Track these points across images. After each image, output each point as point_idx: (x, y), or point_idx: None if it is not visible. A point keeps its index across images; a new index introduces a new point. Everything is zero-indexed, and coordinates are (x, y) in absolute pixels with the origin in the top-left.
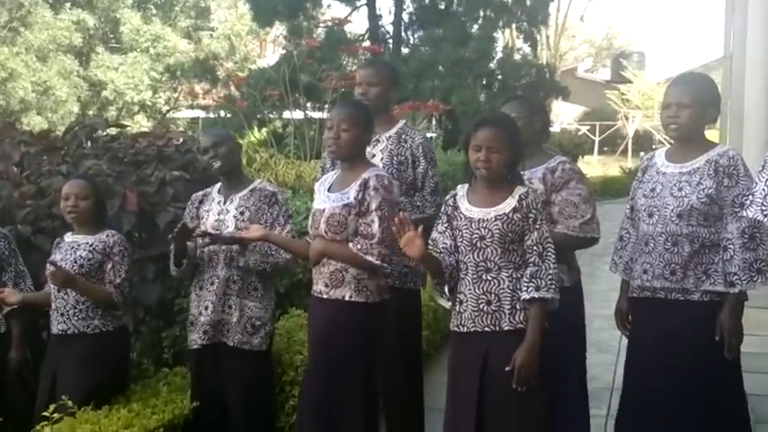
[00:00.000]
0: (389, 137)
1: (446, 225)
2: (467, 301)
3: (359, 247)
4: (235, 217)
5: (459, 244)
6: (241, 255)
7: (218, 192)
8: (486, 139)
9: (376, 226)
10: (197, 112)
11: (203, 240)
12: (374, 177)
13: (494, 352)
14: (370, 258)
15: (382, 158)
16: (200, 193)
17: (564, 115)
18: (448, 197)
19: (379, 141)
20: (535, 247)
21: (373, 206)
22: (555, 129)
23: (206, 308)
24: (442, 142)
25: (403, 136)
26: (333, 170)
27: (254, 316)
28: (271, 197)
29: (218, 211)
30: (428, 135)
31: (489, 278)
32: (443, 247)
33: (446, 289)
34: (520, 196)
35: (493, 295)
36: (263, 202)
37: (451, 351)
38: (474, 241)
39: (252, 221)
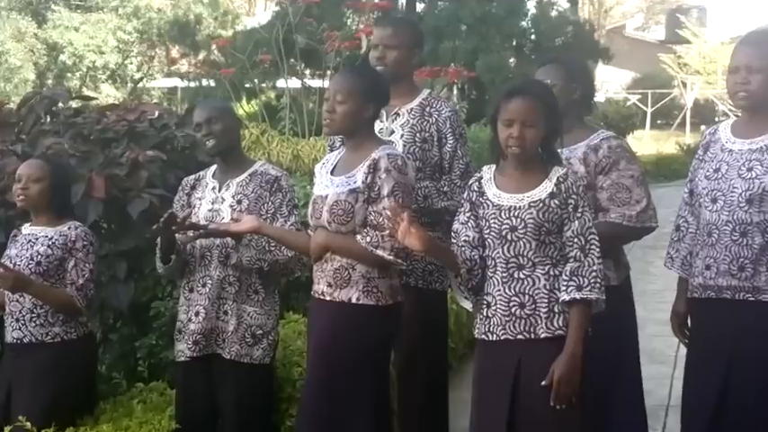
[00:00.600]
0: (411, 109)
1: (469, 214)
2: (495, 303)
3: (368, 239)
4: (231, 206)
5: (486, 236)
6: (234, 250)
7: (213, 176)
8: (518, 111)
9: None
10: (175, 80)
11: (193, 233)
12: (385, 157)
13: (528, 363)
14: (381, 253)
15: (402, 135)
16: (193, 177)
17: (609, 82)
18: (472, 181)
19: (399, 115)
20: (576, 240)
21: (385, 191)
22: (599, 98)
23: (197, 313)
24: (466, 115)
25: (427, 108)
26: (340, 150)
27: (254, 323)
28: (273, 183)
29: (213, 199)
30: None
31: (522, 276)
32: (465, 240)
33: (464, 289)
34: (558, 179)
35: (526, 296)
36: (263, 188)
37: (477, 362)
38: (504, 233)
39: (251, 212)
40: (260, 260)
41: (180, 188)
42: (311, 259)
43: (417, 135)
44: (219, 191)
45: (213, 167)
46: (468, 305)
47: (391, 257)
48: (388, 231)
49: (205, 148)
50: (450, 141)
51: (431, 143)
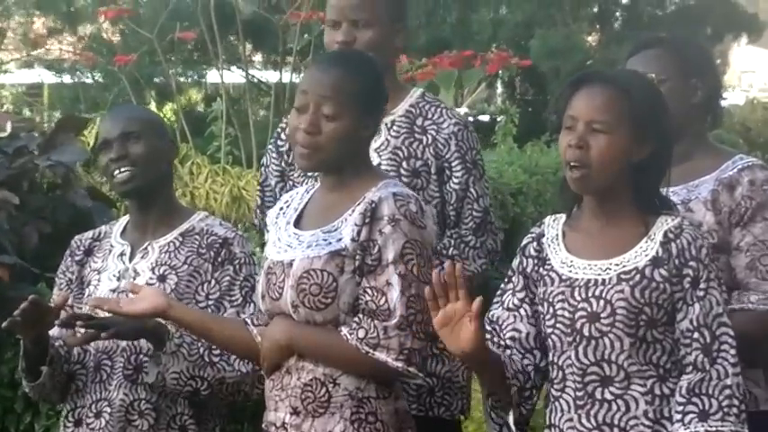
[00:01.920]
0: (393, 123)
1: (522, 295)
2: None
3: (360, 335)
4: (150, 284)
5: (549, 332)
6: (153, 362)
7: (122, 235)
8: (584, 106)
9: (395, 293)
10: (38, 72)
11: (82, 331)
12: (390, 200)
13: None
14: (382, 357)
15: (379, 164)
16: (89, 236)
17: (753, 73)
18: (526, 240)
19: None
20: (697, 335)
21: (390, 255)
22: (733, 100)
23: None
24: (517, 129)
25: (419, 121)
26: (304, 183)
27: None
28: (220, 248)
29: (119, 273)
30: (479, 116)
31: (609, 398)
32: (513, 339)
33: (510, 419)
34: (666, 235)
35: (617, 431)
36: (203, 257)
37: None
38: (578, 325)
39: (180, 294)
40: (195, 379)
41: (68, 253)
42: (262, 367)
43: (404, 164)
44: (131, 259)
45: (122, 221)
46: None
47: (400, 365)
48: (401, 317)
49: (114, 183)
50: (459, 173)
51: (425, 177)
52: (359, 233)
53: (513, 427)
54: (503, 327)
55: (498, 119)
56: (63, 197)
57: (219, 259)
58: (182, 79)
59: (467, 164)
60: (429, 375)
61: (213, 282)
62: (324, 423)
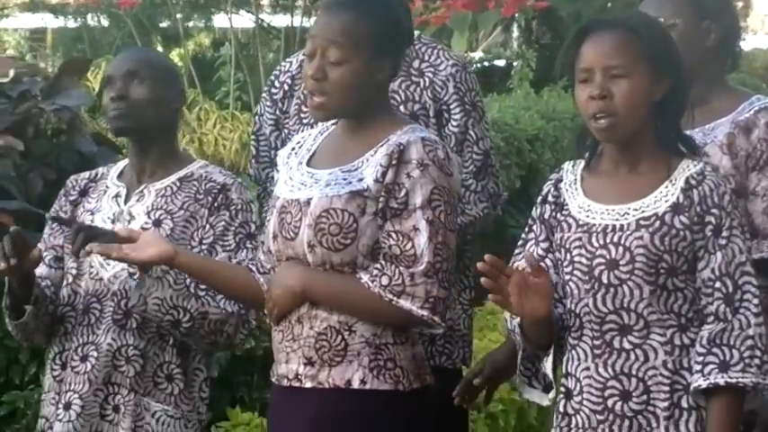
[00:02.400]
0: None
1: (546, 245)
2: (581, 392)
3: (384, 282)
4: (144, 228)
5: (567, 278)
6: (138, 287)
7: (119, 177)
8: (597, 53)
9: (423, 239)
10: (42, 17)
11: (80, 243)
12: (418, 143)
13: None
14: (406, 305)
15: None
16: (85, 176)
17: None
18: (546, 187)
19: None
20: (719, 284)
21: (418, 200)
22: (752, 44)
23: (68, 405)
24: (534, 74)
25: (416, 63)
26: (299, 131)
27: None
28: (217, 194)
29: (114, 215)
30: (495, 61)
31: (627, 347)
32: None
33: (548, 367)
34: (688, 181)
35: (634, 381)
36: (200, 202)
37: None
38: (597, 272)
39: (176, 239)
40: (177, 308)
41: (62, 193)
42: (269, 317)
43: (401, 108)
44: (126, 201)
45: (120, 163)
46: (542, 398)
47: (426, 313)
48: (428, 263)
49: (108, 119)
50: (457, 116)
51: (424, 120)
52: (383, 174)
53: (550, 375)
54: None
55: (514, 63)
56: (68, 143)
57: (216, 204)
58: (189, 24)
59: (466, 106)
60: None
61: (208, 227)
62: (342, 372)
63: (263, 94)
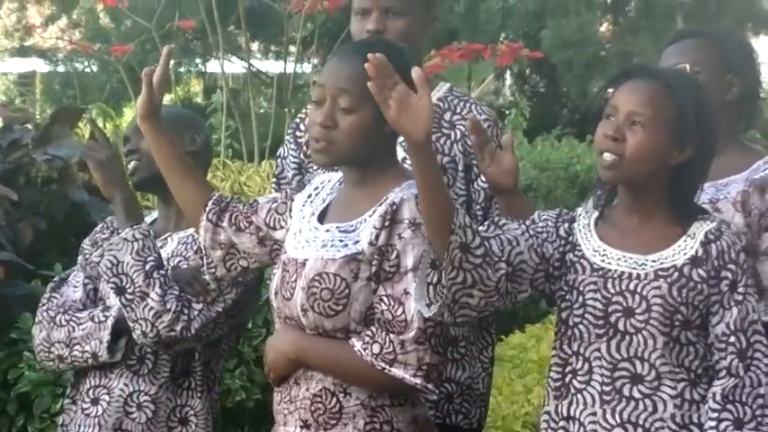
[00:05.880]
0: None
1: (529, 237)
2: None
3: (375, 350)
4: None
5: (577, 320)
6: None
7: (152, 223)
8: (629, 99)
9: (413, 304)
10: (31, 62)
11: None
12: (411, 202)
13: None
14: (398, 373)
15: (404, 158)
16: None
17: None
18: (556, 215)
19: None
20: (734, 340)
21: (409, 262)
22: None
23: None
24: (527, 122)
25: (447, 115)
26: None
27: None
28: None
29: None
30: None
31: (637, 396)
32: (511, 237)
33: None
34: (707, 235)
35: (641, 431)
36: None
37: None
38: (612, 318)
39: (107, 271)
40: (126, 276)
41: (98, 229)
42: (271, 376)
43: None
44: None
45: (154, 214)
46: (426, 310)
47: (418, 381)
48: (418, 330)
49: (132, 175)
50: None
51: (452, 174)
52: (377, 237)
53: (443, 291)
54: (506, 228)
55: (507, 112)
56: (59, 192)
57: None
58: (180, 69)
59: None
60: (448, 381)
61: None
62: None
63: (287, 137)
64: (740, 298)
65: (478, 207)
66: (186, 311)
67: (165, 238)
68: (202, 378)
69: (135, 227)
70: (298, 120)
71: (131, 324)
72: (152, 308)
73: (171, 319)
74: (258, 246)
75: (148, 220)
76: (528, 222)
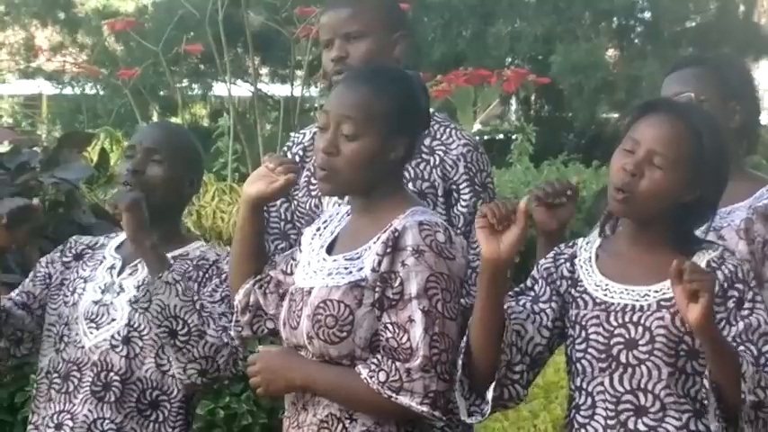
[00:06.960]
0: None
1: (546, 306)
2: None
3: (382, 378)
4: (131, 302)
5: (580, 355)
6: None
7: (117, 249)
8: (653, 136)
9: (419, 331)
10: (38, 83)
11: (64, 322)
12: (415, 228)
13: None
14: (405, 402)
15: None
16: (84, 240)
17: None
18: (556, 254)
19: None
20: (742, 349)
21: (413, 289)
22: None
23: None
24: (533, 147)
25: (427, 140)
26: (307, 203)
27: None
28: (208, 268)
29: (105, 285)
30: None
31: (642, 428)
32: (524, 309)
33: (489, 394)
34: (709, 264)
35: None
36: (192, 278)
37: None
38: (615, 351)
39: (160, 314)
40: (177, 319)
41: (59, 248)
42: (258, 391)
43: (409, 185)
44: (120, 273)
45: (121, 236)
46: (471, 419)
47: (425, 409)
48: (424, 357)
49: (119, 202)
50: (467, 196)
51: (432, 199)
52: (379, 263)
53: (490, 403)
54: (512, 308)
55: (514, 137)
56: (66, 215)
57: (207, 276)
58: (189, 92)
59: (476, 186)
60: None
61: (196, 296)
62: None
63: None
64: (747, 313)
65: (459, 231)
66: (237, 344)
67: (136, 265)
68: (177, 413)
69: (170, 269)
70: (285, 148)
71: (187, 364)
72: (212, 344)
73: (229, 352)
74: (282, 302)
75: (114, 243)
76: (530, 294)
